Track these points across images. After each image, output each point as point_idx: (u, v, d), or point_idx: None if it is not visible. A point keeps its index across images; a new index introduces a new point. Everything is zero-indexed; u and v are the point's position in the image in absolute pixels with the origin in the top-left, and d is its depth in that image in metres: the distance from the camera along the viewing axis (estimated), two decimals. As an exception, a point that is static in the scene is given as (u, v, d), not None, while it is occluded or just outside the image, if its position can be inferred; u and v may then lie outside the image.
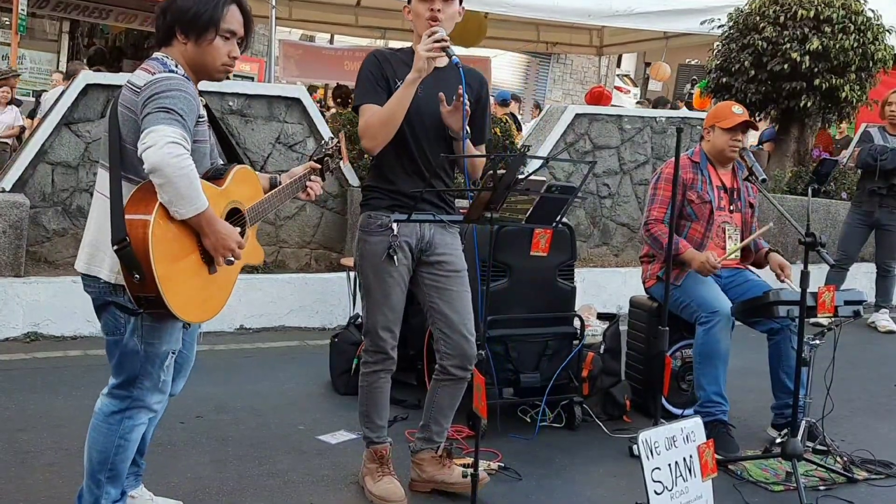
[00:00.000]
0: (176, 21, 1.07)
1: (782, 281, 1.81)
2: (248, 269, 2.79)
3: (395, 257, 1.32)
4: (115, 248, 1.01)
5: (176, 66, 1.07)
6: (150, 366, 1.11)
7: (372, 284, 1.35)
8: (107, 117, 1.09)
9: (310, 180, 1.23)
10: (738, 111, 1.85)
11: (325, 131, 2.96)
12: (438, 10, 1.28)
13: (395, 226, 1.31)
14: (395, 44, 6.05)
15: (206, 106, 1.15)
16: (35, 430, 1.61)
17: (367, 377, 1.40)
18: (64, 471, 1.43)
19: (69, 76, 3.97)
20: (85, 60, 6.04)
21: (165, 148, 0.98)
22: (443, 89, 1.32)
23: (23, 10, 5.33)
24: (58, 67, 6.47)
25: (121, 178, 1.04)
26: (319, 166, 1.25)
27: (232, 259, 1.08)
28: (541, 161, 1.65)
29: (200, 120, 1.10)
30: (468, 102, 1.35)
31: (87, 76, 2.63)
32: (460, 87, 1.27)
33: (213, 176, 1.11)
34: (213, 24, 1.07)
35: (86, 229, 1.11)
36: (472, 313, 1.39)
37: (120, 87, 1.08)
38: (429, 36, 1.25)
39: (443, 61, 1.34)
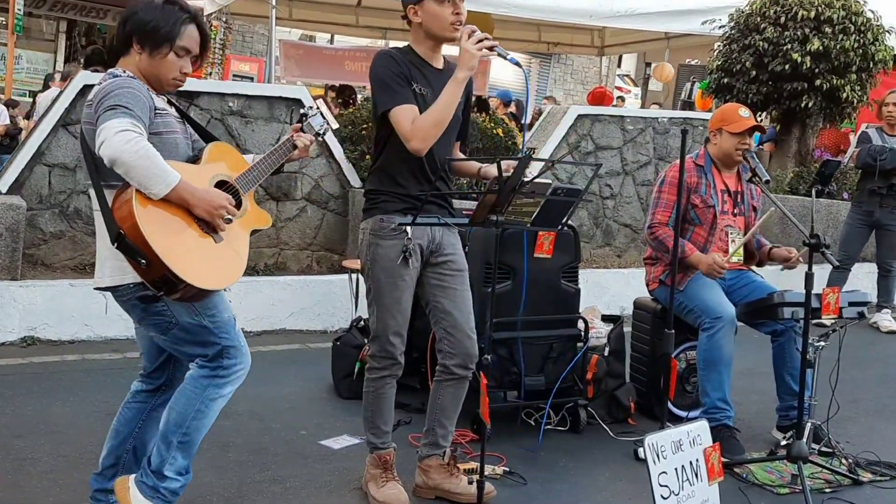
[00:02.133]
0: (134, 31, 1.12)
1: (795, 264, 1.76)
2: (249, 272, 2.78)
3: (409, 260, 1.30)
4: (115, 245, 1.04)
5: (123, 72, 1.11)
6: (226, 334, 1.14)
7: (384, 289, 1.34)
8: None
9: (295, 135, 1.24)
10: (745, 114, 1.85)
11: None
12: (458, 13, 1.28)
13: (408, 229, 1.30)
14: (395, 43, 6.04)
15: (170, 102, 1.18)
16: (32, 436, 1.59)
17: (373, 382, 1.39)
18: (62, 478, 1.41)
19: (65, 78, 3.96)
20: (82, 60, 6.01)
21: (115, 138, 1.02)
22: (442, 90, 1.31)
23: (19, 9, 5.30)
24: (55, 68, 6.43)
25: (102, 186, 1.09)
26: (300, 125, 1.26)
27: (230, 217, 1.09)
28: (545, 163, 1.64)
29: (161, 112, 1.12)
30: (462, 101, 1.33)
31: (85, 77, 2.61)
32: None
33: (190, 161, 1.14)
34: (169, 40, 1.12)
35: (97, 248, 1.13)
36: (472, 312, 1.39)
37: None
38: (469, 36, 1.25)
39: (441, 63, 1.33)
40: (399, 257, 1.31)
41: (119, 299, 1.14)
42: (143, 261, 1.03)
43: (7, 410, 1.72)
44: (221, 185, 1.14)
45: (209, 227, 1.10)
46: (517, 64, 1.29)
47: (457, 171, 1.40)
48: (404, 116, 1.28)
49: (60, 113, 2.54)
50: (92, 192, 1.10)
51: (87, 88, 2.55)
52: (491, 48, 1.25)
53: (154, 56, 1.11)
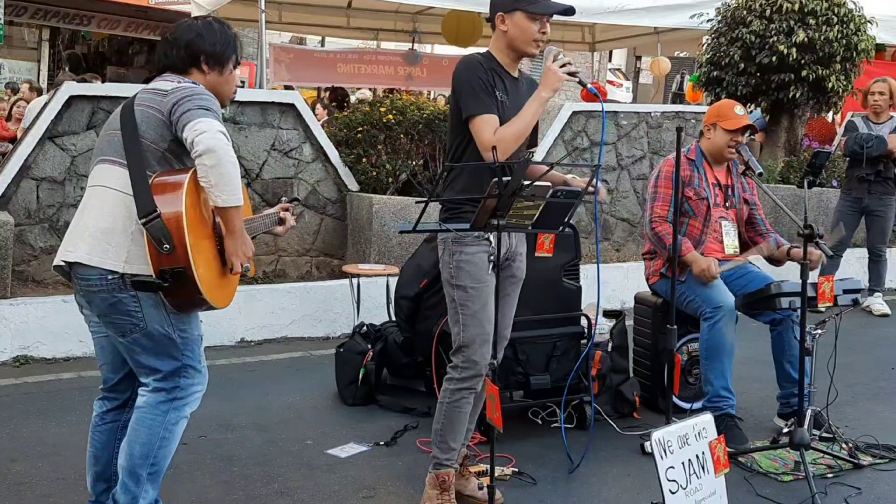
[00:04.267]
0: (202, 53, 1.17)
1: (816, 264, 1.72)
2: (248, 280, 2.76)
3: (492, 268, 1.29)
4: (143, 220, 1.03)
5: (198, 84, 1.16)
6: (191, 352, 1.13)
7: (471, 296, 1.31)
8: (115, 116, 1.13)
9: (283, 213, 1.32)
10: (741, 112, 1.88)
11: (321, 135, 2.90)
12: (544, 32, 1.30)
13: (492, 237, 1.28)
14: (387, 45, 6.02)
15: None
16: (29, 459, 1.55)
17: (452, 394, 1.34)
18: (62, 501, 1.39)
19: (57, 88, 3.88)
20: (67, 68, 5.90)
21: (218, 134, 1.05)
22: (520, 99, 1.32)
23: (0, 18, 5.18)
24: (38, 76, 6.31)
25: (142, 165, 1.07)
26: (290, 205, 1.34)
27: (248, 267, 1.14)
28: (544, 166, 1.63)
29: None
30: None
31: (70, 87, 2.56)
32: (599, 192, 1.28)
33: None
34: (235, 55, 1.21)
35: (80, 222, 1.09)
36: (510, 319, 1.40)
37: (104, 98, 1.14)
38: (553, 59, 1.26)
39: (516, 72, 1.35)
40: (486, 265, 1.29)
41: (86, 283, 1.06)
42: (168, 246, 1.01)
43: (2, 434, 1.68)
44: None
45: (222, 249, 1.11)
46: (596, 94, 1.31)
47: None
48: (487, 125, 1.27)
49: (46, 125, 2.48)
50: (104, 166, 1.07)
51: (73, 100, 2.50)
52: (573, 73, 1.26)
53: (223, 73, 1.18)
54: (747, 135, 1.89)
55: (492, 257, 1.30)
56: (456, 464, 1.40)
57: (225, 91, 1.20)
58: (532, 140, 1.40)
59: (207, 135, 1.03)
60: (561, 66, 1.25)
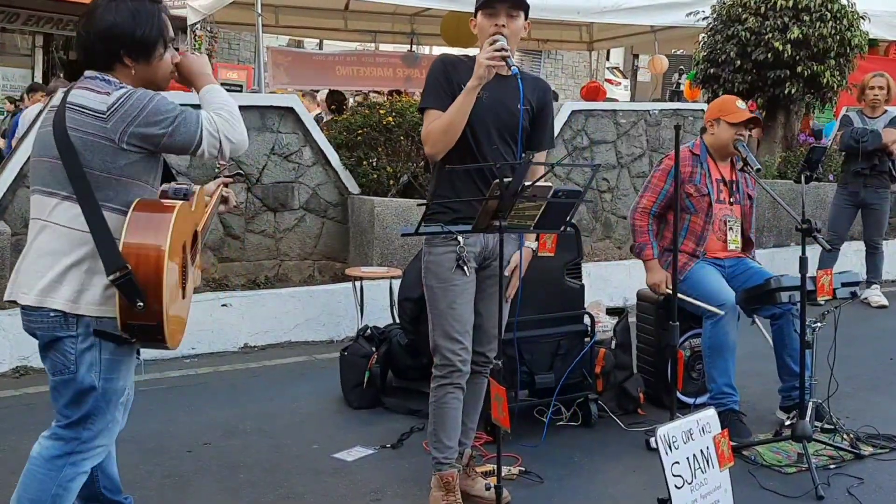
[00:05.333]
0: (121, 46, 1.01)
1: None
2: (250, 286, 2.74)
3: (464, 268, 1.31)
4: (113, 277, 0.94)
5: (128, 86, 1.01)
6: (105, 403, 1.02)
7: (438, 296, 1.34)
8: (48, 139, 0.98)
9: (225, 191, 1.23)
10: (742, 106, 1.90)
11: (321, 139, 2.91)
12: (503, 26, 1.30)
13: (461, 237, 1.30)
14: (385, 47, 6.04)
15: None
16: (32, 470, 1.55)
17: (435, 392, 1.36)
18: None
19: (49, 94, 3.88)
20: (61, 74, 5.88)
21: (208, 137, 1.00)
22: (506, 96, 1.32)
23: (-8, 26, 5.12)
24: (32, 83, 6.26)
25: (99, 207, 0.97)
26: (231, 181, 1.26)
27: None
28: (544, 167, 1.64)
29: None
30: (529, 108, 1.34)
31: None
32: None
33: (184, 196, 1.08)
34: (162, 37, 1.03)
35: (29, 262, 1.00)
36: (503, 319, 1.39)
37: None
38: (490, 45, 1.26)
39: (505, 70, 1.34)
40: (452, 265, 1.31)
41: (28, 318, 0.99)
42: (141, 305, 0.92)
43: (3, 445, 1.64)
44: (194, 235, 1.08)
45: (185, 277, 1.02)
46: (517, 76, 1.31)
47: None
48: (427, 120, 1.32)
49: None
50: (46, 199, 0.96)
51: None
52: (504, 59, 1.26)
53: (152, 62, 1.02)
54: (750, 127, 1.91)
55: (461, 258, 1.31)
56: (457, 463, 1.41)
57: (158, 79, 1.02)
58: (535, 141, 1.39)
59: (233, 146, 1.01)
60: (496, 51, 1.24)
